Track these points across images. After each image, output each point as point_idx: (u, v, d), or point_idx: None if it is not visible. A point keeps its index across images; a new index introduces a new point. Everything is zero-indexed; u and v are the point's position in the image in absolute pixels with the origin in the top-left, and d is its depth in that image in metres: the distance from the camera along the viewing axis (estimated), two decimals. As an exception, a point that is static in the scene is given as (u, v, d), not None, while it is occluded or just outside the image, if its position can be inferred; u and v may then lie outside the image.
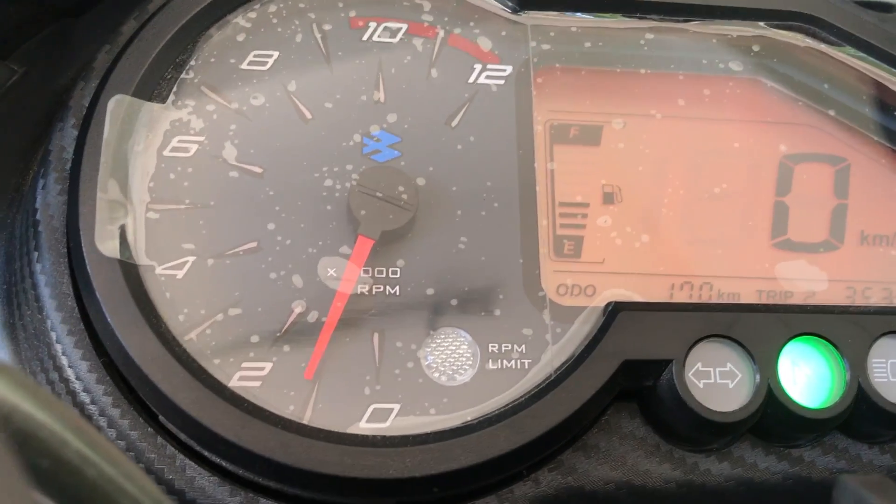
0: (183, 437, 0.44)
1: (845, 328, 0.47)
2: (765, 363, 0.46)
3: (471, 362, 0.47)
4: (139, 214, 0.47)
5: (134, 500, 0.30)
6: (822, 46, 0.56)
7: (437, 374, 0.47)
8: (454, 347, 0.47)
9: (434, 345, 0.47)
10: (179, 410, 0.43)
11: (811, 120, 0.56)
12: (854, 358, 0.47)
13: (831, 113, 0.55)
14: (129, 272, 0.45)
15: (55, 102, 0.55)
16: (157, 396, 0.43)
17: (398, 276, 0.48)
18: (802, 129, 0.56)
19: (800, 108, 0.55)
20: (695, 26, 0.55)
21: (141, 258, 0.46)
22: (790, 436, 0.48)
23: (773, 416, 0.46)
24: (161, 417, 0.45)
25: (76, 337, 0.46)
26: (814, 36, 0.56)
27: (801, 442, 0.48)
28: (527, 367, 0.47)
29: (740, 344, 0.47)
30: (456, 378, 0.47)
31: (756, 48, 0.56)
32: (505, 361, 0.47)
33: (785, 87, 0.56)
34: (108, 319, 0.44)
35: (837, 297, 0.52)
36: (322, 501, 0.45)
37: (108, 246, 0.45)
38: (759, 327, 0.47)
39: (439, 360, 0.47)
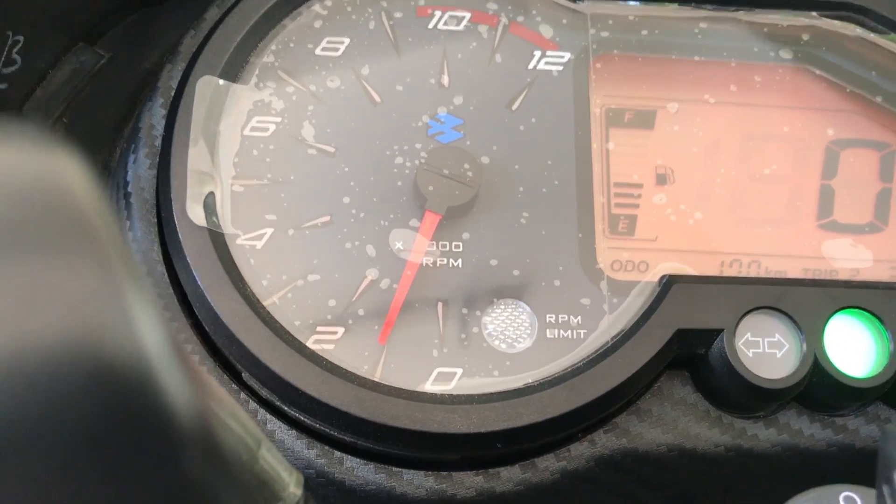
0: (264, 393, 0.48)
1: (890, 302, 0.50)
2: (811, 334, 0.49)
3: (529, 332, 0.50)
4: (226, 187, 0.50)
5: (238, 438, 0.33)
6: (872, 36, 0.58)
7: (497, 342, 0.50)
8: (514, 317, 0.50)
9: (494, 314, 0.50)
10: (264, 367, 0.46)
11: (858, 107, 0.58)
12: (898, 331, 0.49)
13: (878, 100, 0.58)
14: (217, 240, 0.49)
15: (139, 85, 0.59)
16: (242, 354, 0.47)
17: (462, 248, 0.51)
18: (849, 115, 0.58)
19: (847, 96, 0.58)
20: (747, 16, 0.58)
21: (227, 227, 0.50)
22: (834, 404, 0.50)
23: (819, 385, 0.49)
24: (244, 375, 0.48)
25: (165, 300, 0.50)
26: (864, 26, 0.58)
27: (844, 411, 0.51)
28: (583, 336, 0.50)
29: (788, 315, 0.49)
30: (515, 346, 0.50)
31: (806, 37, 0.58)
32: (562, 331, 0.50)
33: (833, 75, 0.58)
34: (199, 283, 0.47)
35: (881, 276, 0.54)
36: (392, 454, 0.48)
37: (197, 215, 0.49)
38: (806, 300, 0.49)
39: (499, 330, 0.50)
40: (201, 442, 0.21)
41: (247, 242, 0.50)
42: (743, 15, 0.58)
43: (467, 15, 0.57)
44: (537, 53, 0.56)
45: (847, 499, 0.36)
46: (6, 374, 0.18)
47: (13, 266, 0.19)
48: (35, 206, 0.19)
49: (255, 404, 0.48)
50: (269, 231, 0.50)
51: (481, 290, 0.51)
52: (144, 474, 0.19)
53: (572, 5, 0.57)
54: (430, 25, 0.57)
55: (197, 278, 0.47)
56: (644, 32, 0.57)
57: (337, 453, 0.48)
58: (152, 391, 0.19)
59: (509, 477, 0.48)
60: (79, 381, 0.18)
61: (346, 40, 0.55)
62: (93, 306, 0.19)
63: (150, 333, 0.20)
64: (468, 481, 0.48)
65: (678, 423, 0.50)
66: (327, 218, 0.51)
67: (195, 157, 0.50)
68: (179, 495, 0.20)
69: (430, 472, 0.48)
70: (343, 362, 0.48)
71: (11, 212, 0.19)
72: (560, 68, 0.56)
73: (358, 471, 0.48)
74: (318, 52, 0.55)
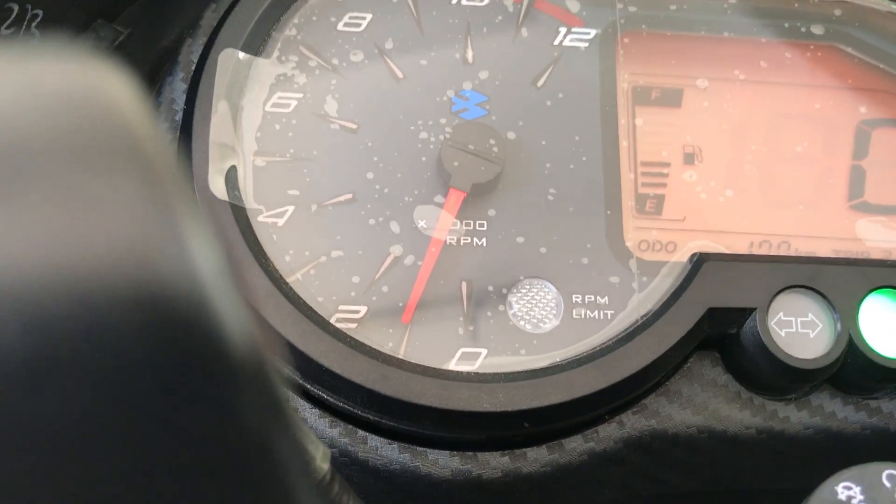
0: (287, 370, 0.47)
1: (926, 282, 0.49)
2: (846, 313, 0.48)
3: (555, 312, 0.49)
4: (248, 162, 0.50)
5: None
6: (905, 11, 0.57)
7: (522, 323, 0.49)
8: (540, 297, 0.49)
9: (520, 294, 0.49)
10: (287, 344, 0.45)
11: (890, 86, 0.56)
12: (934, 311, 0.48)
13: (911, 78, 0.56)
14: (239, 215, 0.48)
15: (159, 60, 0.58)
16: (265, 331, 0.46)
17: (488, 226, 0.50)
18: (880, 94, 0.57)
19: (879, 74, 0.57)
20: (778, -9, 0.57)
21: (250, 202, 0.49)
22: (869, 386, 0.49)
23: (853, 365, 0.48)
24: (266, 352, 0.47)
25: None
26: (897, 1, 0.57)
27: (879, 393, 0.50)
28: (610, 316, 0.49)
29: (822, 295, 0.48)
30: (541, 326, 0.49)
31: (837, 13, 0.57)
32: (588, 311, 0.49)
33: (865, 53, 0.57)
34: (221, 258, 0.46)
35: (915, 257, 0.53)
36: (416, 433, 0.47)
37: (219, 189, 0.48)
38: (840, 279, 0.48)
39: (525, 309, 0.49)
40: (255, 374, 0.20)
41: (269, 219, 0.49)
42: (773, -10, 0.57)
43: (492, -10, 0.56)
44: (563, 29, 0.55)
45: (890, 477, 0.35)
46: (52, 285, 0.17)
47: (59, 179, 0.18)
48: (83, 119, 0.19)
49: (278, 382, 0.48)
50: (292, 207, 0.49)
51: (507, 269, 0.50)
52: (197, 405, 0.18)
53: (600, -20, 0.56)
54: (454, 0, 0.55)
55: (219, 253, 0.46)
56: (672, 8, 0.56)
57: (360, 432, 0.47)
58: (206, 318, 0.18)
59: (536, 457, 0.47)
60: (128, 304, 0.17)
61: (369, 15, 0.54)
62: (144, 228, 0.18)
63: (204, 258, 0.19)
64: (494, 461, 0.47)
65: (708, 404, 0.49)
66: (350, 195, 0.50)
67: (217, 128, 0.49)
68: (234, 434, 0.19)
69: (455, 452, 0.47)
70: (367, 340, 0.47)
71: (59, 124, 0.18)
72: (586, 44, 0.55)
73: (382, 450, 0.47)
74: (340, 26, 0.54)
